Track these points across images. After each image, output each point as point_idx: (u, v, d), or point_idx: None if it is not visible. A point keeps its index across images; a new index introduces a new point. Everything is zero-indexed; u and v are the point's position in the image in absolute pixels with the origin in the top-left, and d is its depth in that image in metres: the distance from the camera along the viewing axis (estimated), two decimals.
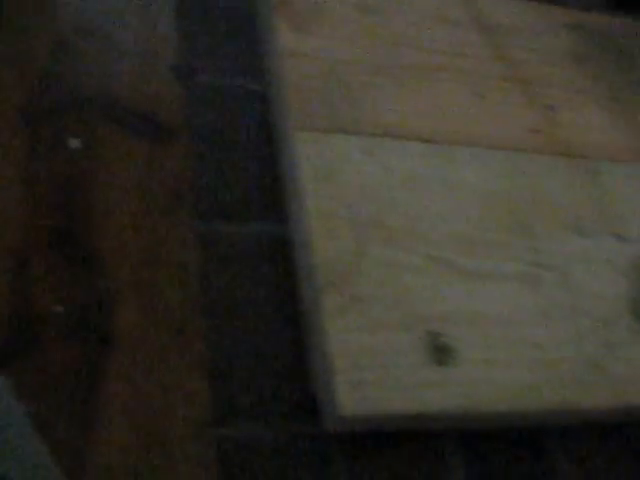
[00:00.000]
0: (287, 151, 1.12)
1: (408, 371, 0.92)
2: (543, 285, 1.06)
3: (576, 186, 1.20)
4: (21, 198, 1.03)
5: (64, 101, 1.17)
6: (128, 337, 0.97)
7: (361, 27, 1.28)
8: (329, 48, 1.22)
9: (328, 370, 0.90)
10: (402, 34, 1.29)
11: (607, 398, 0.99)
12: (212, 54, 1.32)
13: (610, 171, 1.24)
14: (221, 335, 1.01)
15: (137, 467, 0.88)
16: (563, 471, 1.03)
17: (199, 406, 0.95)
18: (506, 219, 1.12)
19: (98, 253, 1.03)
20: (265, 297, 1.06)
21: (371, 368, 0.91)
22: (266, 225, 1.14)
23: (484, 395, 0.93)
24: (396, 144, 1.14)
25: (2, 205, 1.01)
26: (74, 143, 1.13)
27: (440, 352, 0.95)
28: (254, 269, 1.09)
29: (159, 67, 1.27)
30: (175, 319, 1.01)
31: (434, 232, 1.06)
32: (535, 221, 1.13)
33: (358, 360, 0.91)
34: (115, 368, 0.94)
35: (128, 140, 1.16)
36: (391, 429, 0.93)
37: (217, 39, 1.34)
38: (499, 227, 1.11)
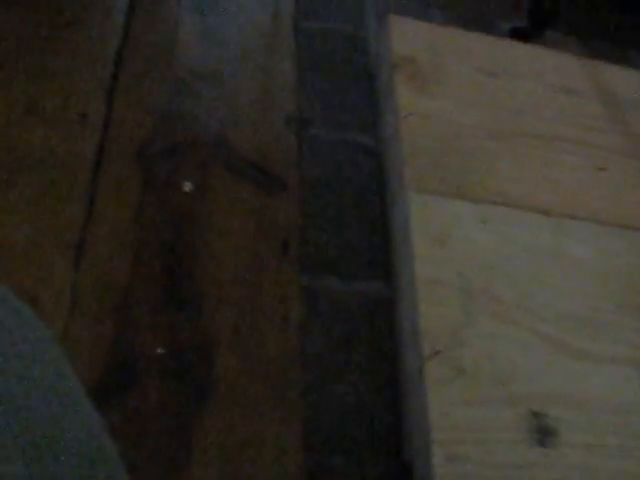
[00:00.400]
0: (399, 212, 1.11)
1: (508, 449, 0.90)
2: None
3: None
4: (132, 237, 1.05)
5: (180, 144, 1.19)
6: (226, 384, 0.97)
7: (481, 91, 1.27)
8: (448, 110, 1.21)
9: (426, 441, 0.88)
10: (523, 101, 1.27)
11: None
12: (328, 106, 1.33)
13: None
14: (319, 392, 1.00)
15: None
16: None
17: (291, 461, 0.93)
18: (618, 299, 1.08)
19: (201, 298, 1.03)
20: (365, 357, 1.05)
21: (470, 443, 0.89)
22: (371, 284, 1.13)
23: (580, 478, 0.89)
24: (511, 213, 1.12)
25: (113, 242, 1.03)
26: (187, 186, 1.14)
27: (542, 433, 0.92)
28: (356, 327, 1.08)
29: (275, 116, 1.28)
30: (273, 370, 1.00)
31: (544, 308, 1.03)
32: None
33: (457, 434, 0.89)
34: (211, 414, 0.94)
35: (240, 187, 1.17)
36: None
37: (334, 91, 1.35)
38: (612, 308, 1.07)
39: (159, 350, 0.97)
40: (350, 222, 1.19)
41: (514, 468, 0.89)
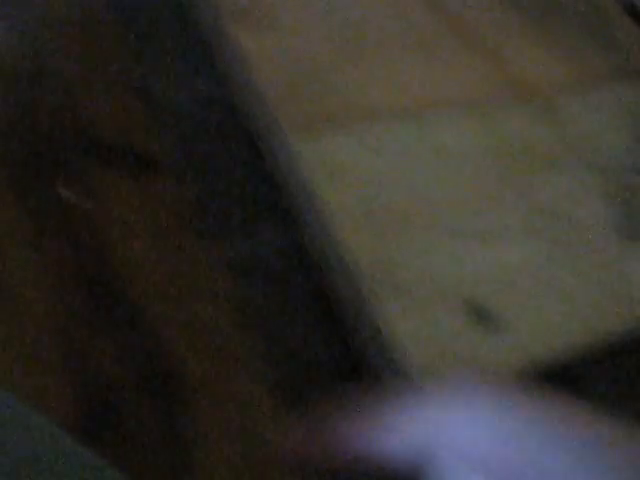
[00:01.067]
0: (280, 158, 1.16)
1: (456, 341, 1.01)
2: (539, 230, 1.15)
3: (541, 125, 1.29)
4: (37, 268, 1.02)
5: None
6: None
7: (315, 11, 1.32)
8: (293, 42, 1.25)
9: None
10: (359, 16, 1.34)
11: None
12: (167, 70, 1.32)
13: (565, 104, 1.33)
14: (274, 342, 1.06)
15: None
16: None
17: None
18: (494, 173, 1.21)
19: (136, 301, 1.05)
20: (296, 301, 1.11)
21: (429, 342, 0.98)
22: (277, 234, 1.18)
23: (536, 346, 1.02)
24: (378, 127, 1.20)
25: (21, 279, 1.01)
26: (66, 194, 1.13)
27: (484, 317, 1.03)
28: (276, 278, 1.13)
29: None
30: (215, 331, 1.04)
31: (436, 203, 1.14)
32: (517, 169, 1.22)
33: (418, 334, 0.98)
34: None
35: (117, 179, 1.16)
36: None
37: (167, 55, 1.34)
38: (489, 183, 1.19)
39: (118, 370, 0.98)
40: (232, 180, 1.21)
41: (467, 353, 0.99)
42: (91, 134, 1.20)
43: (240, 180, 1.21)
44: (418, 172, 1.16)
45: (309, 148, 1.13)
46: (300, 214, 1.15)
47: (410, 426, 0.56)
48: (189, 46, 1.36)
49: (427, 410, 0.56)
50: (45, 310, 0.99)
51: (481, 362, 1.00)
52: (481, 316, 1.04)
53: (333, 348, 1.07)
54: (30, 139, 1.16)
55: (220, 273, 1.10)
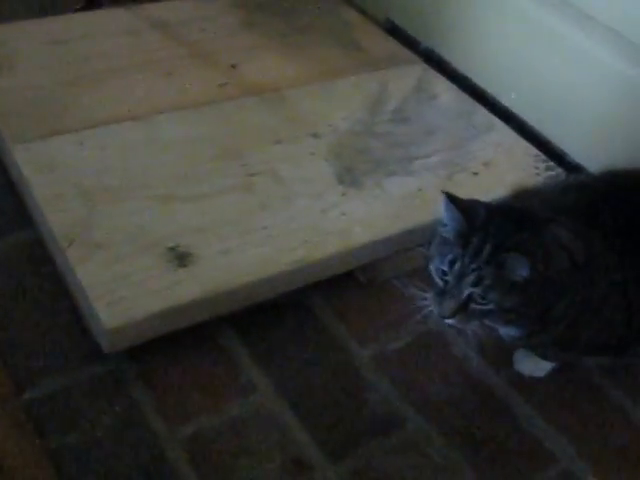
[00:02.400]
0: (13, 166, 1.27)
1: (156, 280, 1.07)
2: (257, 187, 1.25)
3: (269, 112, 1.41)
4: None
5: None
6: None
7: (54, 55, 1.46)
8: (26, 80, 1.39)
9: (89, 303, 1.04)
10: (91, 50, 1.48)
11: (334, 246, 1.17)
12: None
13: (293, 94, 1.46)
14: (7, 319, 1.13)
15: None
16: (330, 323, 1.20)
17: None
18: (215, 152, 1.30)
19: None
20: (38, 289, 1.19)
21: (123, 288, 1.06)
22: (20, 234, 1.28)
23: (227, 275, 1.10)
24: (103, 130, 1.31)
25: None
26: None
27: (180, 258, 1.11)
28: (22, 273, 1.22)
29: None
30: None
31: (152, 180, 1.23)
32: (240, 146, 1.32)
33: (111, 286, 1.05)
34: None
35: None
36: (160, 333, 1.08)
37: None
38: (209, 160, 1.29)
39: None
40: None
41: (167, 289, 1.07)
42: None
43: None
44: (137, 160, 1.26)
45: (31, 153, 1.25)
46: (29, 208, 1.25)
47: None
48: None
49: None
50: None
51: (173, 294, 1.07)
52: (181, 260, 1.12)
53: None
54: None
55: None
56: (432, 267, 0.98)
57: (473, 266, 0.93)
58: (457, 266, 0.94)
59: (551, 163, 1.41)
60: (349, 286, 1.26)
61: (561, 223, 0.97)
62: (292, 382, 1.12)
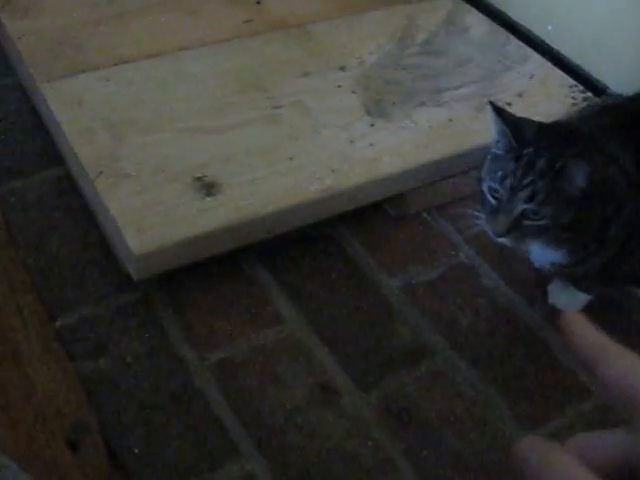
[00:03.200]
0: (42, 104, 1.27)
1: (183, 208, 1.07)
2: (284, 119, 1.23)
3: (295, 47, 1.39)
4: None
5: None
6: None
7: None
8: (53, 19, 1.39)
9: (118, 230, 1.04)
10: None
11: (362, 175, 1.16)
12: None
13: (319, 29, 1.44)
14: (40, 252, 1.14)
15: None
16: (358, 255, 1.19)
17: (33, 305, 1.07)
18: (240, 86, 1.29)
19: None
20: (67, 219, 1.20)
21: (152, 216, 1.06)
22: (49, 171, 1.28)
23: (254, 204, 1.09)
24: (129, 66, 1.31)
25: None
26: None
27: (207, 188, 1.11)
28: (52, 211, 1.22)
29: None
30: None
31: (178, 113, 1.22)
32: (265, 80, 1.31)
33: (139, 213, 1.05)
34: None
35: None
36: (188, 261, 1.07)
37: None
38: (235, 93, 1.28)
39: None
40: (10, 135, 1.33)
41: (194, 217, 1.06)
42: None
43: (19, 135, 1.33)
44: (164, 94, 1.25)
45: (59, 90, 1.24)
46: (58, 144, 1.25)
47: None
48: None
49: None
50: None
51: (201, 222, 1.07)
52: (208, 189, 1.11)
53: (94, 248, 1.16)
54: None
55: None
56: (484, 187, 0.96)
57: (526, 180, 0.91)
58: (509, 181, 0.92)
59: (589, 94, 1.37)
60: (378, 219, 1.25)
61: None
62: (320, 312, 1.11)
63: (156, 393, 1.00)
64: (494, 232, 0.95)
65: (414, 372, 1.06)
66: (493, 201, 0.95)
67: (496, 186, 0.94)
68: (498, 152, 0.96)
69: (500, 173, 0.93)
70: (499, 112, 0.94)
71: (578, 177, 0.90)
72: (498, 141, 0.96)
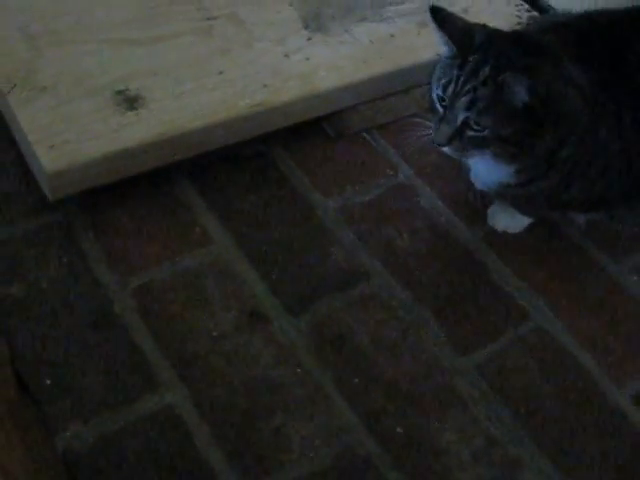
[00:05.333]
0: None
1: (103, 123, 1.00)
2: (216, 31, 1.16)
3: None
4: None
5: None
6: None
7: None
8: None
9: (30, 147, 0.97)
10: None
11: (296, 90, 1.09)
12: None
13: None
14: None
15: None
16: (293, 175, 1.14)
17: None
18: None
19: None
20: None
21: (67, 131, 0.99)
22: None
23: (180, 119, 1.02)
24: None
25: None
26: None
27: (130, 102, 1.04)
28: None
29: None
30: None
31: (103, 24, 1.14)
32: None
33: (54, 129, 0.98)
34: None
35: None
36: (108, 180, 1.01)
37: None
38: (165, 4, 1.20)
39: None
40: None
41: (114, 132, 1.00)
42: None
43: None
44: (88, 4, 1.18)
45: None
46: None
47: None
48: None
49: None
50: None
51: (121, 137, 1.00)
52: (131, 103, 1.04)
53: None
54: None
55: None
56: (433, 95, 0.92)
57: (467, 87, 0.87)
58: (451, 88, 0.88)
59: (534, 13, 1.32)
60: (316, 139, 1.19)
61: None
62: (251, 234, 1.06)
63: (72, 321, 0.95)
64: (436, 140, 0.91)
65: (348, 296, 1.02)
66: (440, 109, 0.91)
67: (441, 93, 0.90)
68: (446, 59, 0.90)
69: (444, 80, 0.89)
70: (439, 17, 0.89)
71: (519, 91, 0.85)
72: (443, 46, 0.91)
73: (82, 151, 0.97)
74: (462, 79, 0.88)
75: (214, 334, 0.96)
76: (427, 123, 0.95)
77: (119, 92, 1.04)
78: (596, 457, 0.91)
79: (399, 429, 0.91)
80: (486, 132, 0.88)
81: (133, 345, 0.93)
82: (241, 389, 0.92)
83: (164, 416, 0.89)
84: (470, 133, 0.89)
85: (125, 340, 0.94)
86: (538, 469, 0.90)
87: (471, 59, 0.88)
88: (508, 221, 1.11)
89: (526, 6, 1.33)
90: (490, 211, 1.12)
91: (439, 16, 0.89)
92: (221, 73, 1.09)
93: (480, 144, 0.89)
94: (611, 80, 0.95)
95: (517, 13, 1.31)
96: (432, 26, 0.90)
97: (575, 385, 0.97)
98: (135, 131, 1.00)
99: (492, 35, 0.91)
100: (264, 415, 0.90)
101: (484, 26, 0.92)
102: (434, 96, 0.92)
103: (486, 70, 0.87)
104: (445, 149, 0.92)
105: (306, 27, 1.19)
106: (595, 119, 0.93)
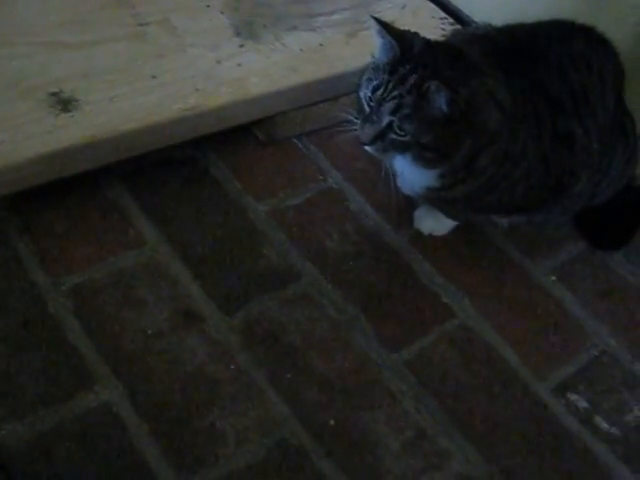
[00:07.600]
0: None
1: (36, 124, 1.00)
2: (149, 37, 1.17)
3: None
4: None
5: None
6: None
7: None
8: None
9: None
10: None
11: (228, 95, 1.11)
12: None
13: None
14: None
15: None
16: (225, 179, 1.16)
17: None
18: (104, 1, 1.22)
19: None
20: None
21: (0, 132, 0.99)
22: None
23: (114, 122, 1.03)
24: None
25: None
26: None
27: (63, 104, 1.04)
28: None
29: None
30: None
31: (36, 27, 1.14)
32: None
33: None
34: None
35: None
36: (41, 180, 1.01)
37: None
38: (99, 8, 1.21)
39: None
40: None
41: (47, 134, 1.00)
42: None
43: None
44: (20, 7, 1.18)
45: None
46: None
47: None
48: None
49: None
50: None
51: (54, 139, 1.00)
52: (64, 105, 1.05)
53: None
54: None
55: None
56: (361, 94, 0.96)
57: (395, 93, 0.91)
58: (380, 92, 0.92)
59: (458, 27, 1.37)
60: (247, 144, 1.22)
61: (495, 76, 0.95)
62: (184, 236, 1.08)
63: (6, 321, 0.95)
64: (360, 139, 0.95)
65: (280, 295, 1.04)
66: (367, 109, 0.95)
67: (369, 94, 0.93)
68: (378, 62, 0.94)
69: (375, 82, 0.93)
70: (385, 25, 0.93)
71: (438, 102, 0.90)
72: (380, 52, 0.94)
73: (15, 152, 0.97)
74: (391, 85, 0.92)
75: (149, 333, 0.97)
76: (353, 119, 0.99)
77: (53, 94, 1.05)
78: (519, 446, 0.95)
79: (332, 422, 0.93)
80: (407, 137, 0.92)
81: (68, 344, 0.94)
82: (176, 386, 0.93)
83: (100, 413, 0.89)
84: (393, 136, 0.93)
85: (60, 339, 0.94)
86: (466, 459, 0.94)
87: (402, 67, 0.92)
88: (434, 224, 1.15)
89: (450, 19, 1.39)
90: (416, 214, 1.16)
91: (382, 23, 0.93)
92: (154, 77, 1.11)
93: (401, 147, 0.94)
94: (529, 90, 1.00)
95: (441, 26, 1.37)
96: (378, 32, 0.93)
97: (499, 379, 1.01)
98: (69, 133, 1.00)
99: (430, 47, 0.95)
100: (199, 411, 0.92)
101: (419, 36, 0.96)
102: (362, 95, 0.96)
103: (413, 79, 0.91)
104: (368, 148, 0.96)
105: (238, 34, 1.22)
106: (515, 130, 0.98)
